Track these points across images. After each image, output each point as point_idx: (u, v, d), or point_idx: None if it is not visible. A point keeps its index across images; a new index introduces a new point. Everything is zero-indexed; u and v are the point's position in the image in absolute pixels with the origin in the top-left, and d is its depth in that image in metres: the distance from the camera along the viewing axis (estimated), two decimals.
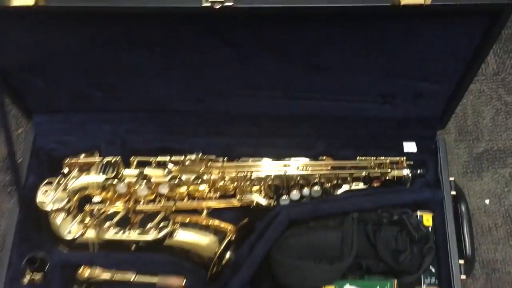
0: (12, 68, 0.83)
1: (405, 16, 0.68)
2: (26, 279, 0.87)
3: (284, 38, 0.74)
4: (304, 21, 0.69)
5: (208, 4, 0.64)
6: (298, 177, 0.91)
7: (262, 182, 0.92)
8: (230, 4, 0.64)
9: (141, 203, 0.92)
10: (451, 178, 0.92)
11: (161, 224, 0.87)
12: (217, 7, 0.64)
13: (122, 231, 0.87)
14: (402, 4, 0.63)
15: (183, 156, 0.93)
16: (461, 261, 0.87)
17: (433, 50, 0.76)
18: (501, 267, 0.98)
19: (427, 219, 0.90)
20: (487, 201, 1.03)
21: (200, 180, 0.91)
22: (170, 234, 0.88)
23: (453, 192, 0.92)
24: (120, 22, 0.71)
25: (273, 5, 0.65)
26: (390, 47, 0.76)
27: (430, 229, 0.89)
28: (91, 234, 0.89)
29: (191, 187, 0.92)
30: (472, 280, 0.98)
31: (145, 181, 0.90)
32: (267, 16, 0.68)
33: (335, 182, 0.92)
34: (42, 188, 0.89)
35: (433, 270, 0.87)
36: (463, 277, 0.86)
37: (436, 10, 0.64)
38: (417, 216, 0.90)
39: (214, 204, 0.93)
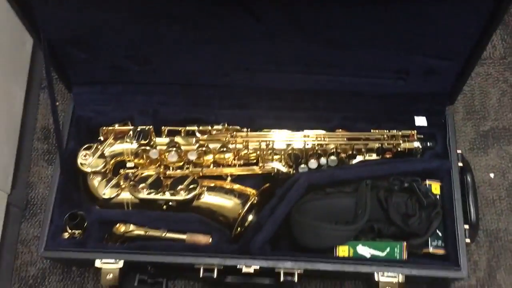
0: (59, 41, 0.90)
1: None
2: (66, 234, 0.95)
3: (309, 15, 0.81)
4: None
5: None
6: (316, 147, 0.98)
7: (283, 152, 0.99)
8: None
9: (171, 168, 1.00)
10: (459, 151, 0.99)
11: (190, 186, 0.95)
12: None
13: (154, 192, 0.95)
14: None
15: (210, 127, 1.01)
16: (466, 226, 0.93)
17: (444, 27, 0.82)
18: (503, 236, 1.05)
19: (435, 187, 0.97)
20: (492, 175, 1.09)
21: (225, 148, 0.98)
22: (198, 195, 0.95)
23: (460, 164, 0.98)
24: None
25: None
26: (404, 24, 0.82)
27: (438, 196, 0.96)
28: (125, 195, 0.97)
29: (217, 155, 0.99)
30: (476, 247, 1.04)
31: (175, 148, 0.98)
32: None
33: (350, 152, 0.99)
34: (82, 152, 0.97)
35: (439, 233, 0.94)
36: (467, 240, 0.92)
37: None
38: (426, 184, 0.96)
39: (238, 171, 1.00)
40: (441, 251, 0.93)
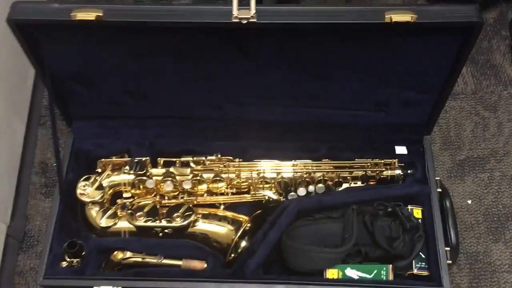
0: (62, 77, 0.96)
1: (396, 31, 0.82)
2: (64, 263, 0.97)
3: (296, 50, 0.88)
4: (313, 34, 0.84)
5: (237, 20, 0.79)
6: (304, 176, 1.04)
7: (273, 180, 1.04)
8: (254, 20, 0.79)
9: (167, 198, 1.04)
10: (437, 178, 1.06)
11: (186, 214, 0.99)
12: (244, 22, 0.79)
13: (151, 220, 0.99)
14: (393, 21, 0.78)
15: (204, 157, 1.06)
16: (447, 248, 0.99)
17: (419, 62, 0.90)
18: (482, 258, 1.10)
19: (417, 212, 1.03)
20: (469, 201, 1.16)
21: (218, 178, 1.04)
22: (193, 223, 0.99)
23: (439, 190, 1.05)
24: (159, 35, 0.86)
25: (288, 21, 0.80)
26: (383, 59, 0.90)
27: (419, 221, 1.02)
28: (122, 224, 1.01)
29: (211, 184, 1.04)
30: (458, 270, 1.09)
31: (170, 178, 1.03)
32: (282, 30, 0.82)
33: (336, 180, 1.05)
34: (81, 183, 1.01)
35: (423, 256, 0.99)
36: (449, 261, 0.98)
37: (421, 26, 0.79)
38: (408, 209, 1.03)
39: (230, 199, 1.05)
40: (425, 272, 0.98)
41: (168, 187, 1.02)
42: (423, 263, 0.99)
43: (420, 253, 0.99)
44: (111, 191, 1.03)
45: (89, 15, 0.79)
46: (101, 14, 0.79)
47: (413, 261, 0.98)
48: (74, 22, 0.80)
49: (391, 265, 0.98)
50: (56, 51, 0.90)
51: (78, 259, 0.97)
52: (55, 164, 1.17)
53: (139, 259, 0.97)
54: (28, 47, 0.87)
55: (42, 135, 1.23)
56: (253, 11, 0.78)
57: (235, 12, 0.78)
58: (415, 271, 0.98)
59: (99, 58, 0.92)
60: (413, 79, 0.96)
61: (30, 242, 1.12)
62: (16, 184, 1.11)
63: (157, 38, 0.87)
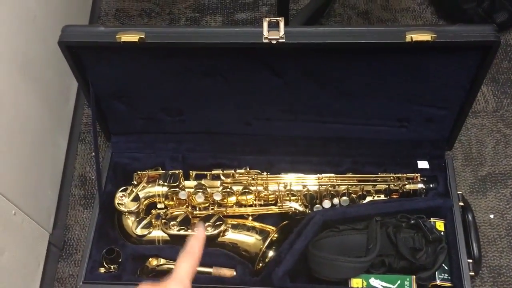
0: (104, 95, 1.04)
1: (416, 50, 0.88)
2: (103, 269, 1.03)
3: (322, 68, 0.94)
4: (337, 53, 0.90)
5: (267, 41, 0.85)
6: (329, 189, 1.09)
7: (299, 193, 1.09)
8: (283, 40, 0.85)
9: (198, 209, 1.10)
10: (459, 192, 1.09)
11: (216, 223, 1.05)
12: (274, 42, 0.85)
13: (183, 229, 1.04)
14: (414, 40, 0.83)
15: (233, 171, 1.12)
16: (470, 260, 1.01)
17: (439, 79, 0.95)
18: (505, 271, 1.12)
19: (439, 225, 1.06)
20: (491, 216, 1.18)
21: (247, 190, 1.09)
22: (223, 232, 1.05)
23: (461, 203, 1.08)
24: (195, 55, 0.93)
25: (315, 41, 0.86)
26: (404, 77, 0.95)
27: (442, 233, 1.05)
28: (156, 233, 1.06)
29: (240, 196, 1.10)
30: (481, 283, 1.11)
31: (202, 190, 1.09)
32: (309, 50, 0.88)
33: (360, 193, 1.09)
34: (119, 194, 1.07)
35: (445, 267, 1.02)
36: (471, 273, 1.00)
37: (440, 45, 0.84)
38: (431, 222, 1.06)
39: (258, 210, 1.10)
40: (448, 284, 1.00)
41: (199, 198, 1.08)
42: (446, 275, 1.01)
43: (443, 265, 1.01)
44: (146, 201, 1.09)
45: (133, 37, 0.87)
46: (143, 36, 0.87)
47: (436, 273, 1.00)
48: (119, 44, 0.87)
49: (414, 276, 1.00)
50: (99, 71, 0.98)
51: (115, 266, 1.03)
52: (93, 177, 1.24)
53: (173, 266, 1.02)
54: (76, 67, 0.95)
55: (82, 150, 1.31)
56: (282, 32, 0.85)
57: (265, 33, 0.85)
58: (438, 282, 1.00)
59: (139, 77, 1.00)
60: (434, 96, 1.00)
61: (69, 250, 1.19)
62: (58, 196, 1.19)
63: (192, 57, 0.94)
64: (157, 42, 0.88)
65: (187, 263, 0.61)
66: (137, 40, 0.86)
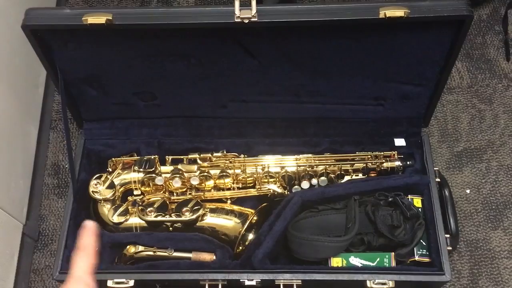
0: (74, 80, 1.01)
1: (390, 26, 0.87)
2: None
3: (296, 48, 0.93)
4: (312, 32, 0.88)
5: (239, 20, 0.83)
6: (307, 169, 1.08)
7: (277, 175, 1.08)
8: (255, 19, 0.83)
9: (175, 194, 1.08)
10: (436, 168, 1.10)
11: (194, 208, 1.03)
12: (246, 21, 0.83)
13: (161, 215, 1.03)
14: (387, 16, 0.82)
15: (210, 154, 1.10)
16: (447, 235, 1.02)
17: (414, 56, 0.94)
18: (482, 245, 1.14)
19: (417, 201, 1.06)
20: (467, 191, 1.20)
21: (225, 173, 1.08)
22: (202, 217, 1.03)
23: (438, 179, 1.09)
24: (166, 37, 0.90)
25: (287, 20, 0.84)
26: (379, 54, 0.94)
27: (419, 210, 1.06)
28: (133, 220, 1.04)
29: (217, 180, 1.08)
30: (459, 257, 1.13)
31: (178, 175, 1.07)
32: (283, 29, 0.86)
33: (338, 173, 1.09)
34: (93, 182, 1.05)
35: (424, 243, 1.03)
36: (449, 248, 1.01)
37: (413, 21, 0.83)
38: (408, 199, 1.06)
39: (237, 193, 1.09)
40: (426, 259, 1.02)
41: (176, 183, 1.06)
42: (424, 250, 1.02)
43: (421, 241, 1.02)
44: (122, 188, 1.07)
45: (100, 19, 0.83)
46: (110, 18, 0.84)
47: (415, 249, 1.01)
48: (85, 26, 0.84)
49: (393, 253, 1.01)
50: (68, 56, 0.95)
51: None
52: (67, 166, 1.21)
53: (151, 253, 1.01)
54: (42, 52, 0.92)
55: (54, 138, 1.27)
56: (254, 10, 0.82)
57: (237, 12, 0.83)
58: (416, 258, 1.01)
59: (109, 61, 0.97)
60: (409, 73, 1.00)
61: (44, 241, 1.17)
62: (30, 186, 1.16)
63: (164, 40, 0.91)
64: (126, 24, 0.85)
65: (82, 260, 0.60)
66: (104, 22, 0.83)
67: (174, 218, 1.02)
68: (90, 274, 0.60)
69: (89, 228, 0.63)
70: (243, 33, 0.90)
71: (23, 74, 1.16)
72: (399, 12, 0.82)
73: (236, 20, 0.83)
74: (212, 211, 1.05)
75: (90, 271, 0.60)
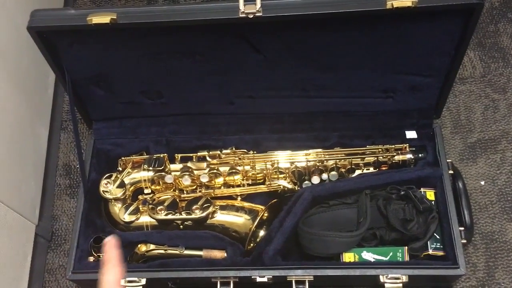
0: (80, 80, 1.01)
1: (398, 17, 0.85)
2: (91, 258, 1.02)
3: (302, 42, 0.91)
4: (318, 25, 0.87)
5: (244, 15, 0.82)
6: (317, 164, 1.07)
7: (287, 170, 1.07)
8: (260, 14, 0.82)
9: (185, 192, 1.08)
10: (448, 160, 1.08)
11: (204, 205, 1.03)
12: (251, 16, 0.82)
13: (172, 213, 1.03)
14: (394, 6, 0.81)
15: (219, 151, 1.09)
16: (461, 228, 1.00)
17: (423, 46, 0.92)
18: (498, 237, 1.11)
19: (430, 194, 1.05)
20: (482, 182, 1.17)
21: (234, 170, 1.07)
22: (212, 214, 1.03)
23: (451, 171, 1.07)
24: (171, 34, 0.89)
25: (292, 13, 0.83)
26: (388, 46, 0.93)
27: (433, 202, 1.04)
28: (144, 219, 1.04)
29: (227, 177, 1.08)
30: (474, 250, 1.11)
31: (188, 172, 1.07)
32: (288, 23, 0.85)
33: (349, 167, 1.07)
34: (103, 181, 1.05)
35: (437, 236, 1.01)
36: (463, 241, 0.99)
37: (421, 10, 0.81)
38: (421, 192, 1.05)
39: (246, 190, 1.09)
40: (440, 253, 1.00)
41: (186, 181, 1.06)
42: (438, 244, 1.01)
43: (435, 234, 1.01)
44: (132, 187, 1.07)
45: (104, 19, 0.83)
46: (115, 17, 0.83)
47: (428, 242, 1.00)
48: (90, 26, 0.84)
49: (406, 247, 1.00)
50: (74, 56, 0.95)
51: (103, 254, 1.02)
52: (78, 166, 1.22)
53: (162, 251, 1.01)
54: (48, 53, 0.92)
55: (64, 138, 1.28)
56: (258, 5, 0.82)
57: (241, 7, 0.82)
58: (430, 251, 1.00)
59: (115, 60, 0.96)
60: (418, 64, 0.98)
61: (58, 241, 1.17)
62: (42, 186, 1.17)
63: (169, 37, 0.91)
64: (130, 23, 0.84)
65: (109, 274, 0.61)
66: (108, 22, 0.83)
67: (184, 216, 1.02)
68: (119, 285, 0.61)
69: (111, 243, 0.64)
70: (248, 28, 0.89)
71: (32, 76, 1.17)
72: (406, 2, 0.80)
73: (240, 15, 0.82)
74: (222, 208, 1.05)
75: (118, 282, 0.61)
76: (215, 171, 1.07)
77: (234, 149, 1.10)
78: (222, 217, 1.04)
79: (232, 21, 0.83)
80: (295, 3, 0.83)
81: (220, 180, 1.08)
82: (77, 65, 0.97)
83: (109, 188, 1.05)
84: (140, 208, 1.05)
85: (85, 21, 0.84)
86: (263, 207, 1.05)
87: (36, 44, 0.89)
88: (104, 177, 1.06)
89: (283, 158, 1.08)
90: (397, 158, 1.07)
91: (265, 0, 0.82)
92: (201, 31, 0.89)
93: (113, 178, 1.06)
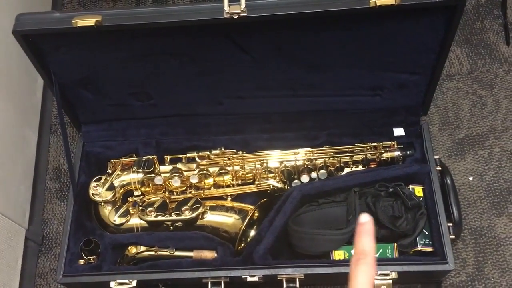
0: (69, 83, 1.00)
1: (382, 15, 0.85)
2: (82, 261, 1.02)
3: (289, 41, 0.92)
4: (303, 25, 0.88)
5: (228, 16, 0.83)
6: (306, 163, 1.07)
7: (276, 170, 1.08)
8: (244, 14, 0.83)
9: (175, 193, 1.08)
10: (436, 157, 1.09)
11: (194, 206, 1.03)
12: (236, 17, 0.82)
13: (161, 214, 1.03)
14: (378, 4, 0.81)
15: (209, 152, 1.10)
16: (450, 224, 1.01)
17: (408, 44, 0.93)
18: (487, 232, 1.12)
19: (418, 191, 1.05)
20: (470, 178, 1.18)
21: (224, 171, 1.07)
22: (202, 215, 1.03)
23: (439, 168, 1.07)
24: (158, 36, 0.89)
25: (277, 13, 0.83)
26: (374, 44, 0.93)
27: (421, 199, 1.05)
28: (134, 220, 1.05)
29: (217, 177, 1.08)
30: (464, 245, 1.12)
31: (177, 174, 1.07)
32: (274, 22, 0.85)
33: (338, 165, 1.08)
34: (93, 184, 1.05)
35: (426, 233, 1.02)
36: (452, 236, 1.00)
37: (405, 8, 0.82)
38: (409, 188, 1.05)
39: (236, 190, 1.09)
40: (429, 249, 1.01)
41: (176, 182, 1.06)
42: (427, 240, 1.01)
43: (424, 231, 1.01)
44: (122, 190, 1.07)
45: (89, 21, 0.83)
46: (100, 20, 0.83)
47: (417, 238, 1.00)
48: (75, 29, 0.84)
49: (395, 244, 1.00)
50: (61, 59, 0.95)
51: (94, 256, 1.01)
52: (68, 169, 1.21)
53: (153, 253, 1.01)
54: (35, 57, 0.92)
55: (54, 142, 1.28)
56: (243, 5, 0.82)
57: (226, 7, 0.82)
58: (419, 247, 1.00)
59: (103, 63, 0.96)
60: (405, 61, 0.98)
61: (48, 245, 1.17)
62: (32, 190, 1.16)
63: (156, 39, 0.91)
64: (115, 25, 0.84)
65: (363, 276, 0.48)
66: (93, 24, 0.83)
67: (174, 217, 1.02)
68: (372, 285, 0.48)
69: (368, 227, 0.50)
70: (234, 28, 0.89)
71: (21, 79, 1.17)
72: (389, 0, 0.81)
73: (225, 15, 0.83)
74: (212, 208, 1.05)
75: (372, 283, 0.48)
76: (204, 172, 1.07)
77: (223, 149, 1.10)
78: (212, 218, 1.04)
79: (217, 21, 0.83)
80: (280, 3, 0.84)
81: (210, 181, 1.08)
82: (64, 68, 0.97)
83: (98, 190, 1.05)
84: (130, 210, 1.05)
85: (70, 24, 0.84)
86: (252, 207, 1.05)
87: (22, 48, 0.89)
88: (94, 179, 1.06)
89: (273, 157, 1.08)
90: (385, 155, 1.08)
91: (249, 0, 0.83)
92: (188, 32, 0.89)
93: (102, 180, 1.06)
